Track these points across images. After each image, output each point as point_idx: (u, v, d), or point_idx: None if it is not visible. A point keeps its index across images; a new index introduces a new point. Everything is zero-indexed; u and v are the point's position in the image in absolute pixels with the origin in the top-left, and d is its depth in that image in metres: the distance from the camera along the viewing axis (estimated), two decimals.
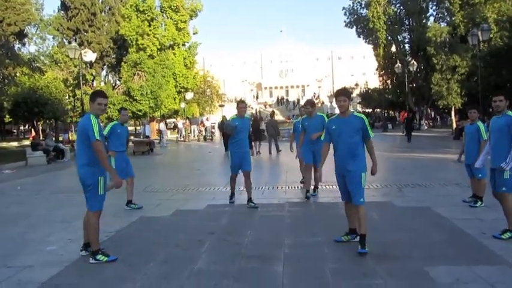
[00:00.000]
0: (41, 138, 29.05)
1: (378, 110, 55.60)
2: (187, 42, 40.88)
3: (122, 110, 8.43)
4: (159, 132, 32.04)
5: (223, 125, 8.51)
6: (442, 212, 6.74)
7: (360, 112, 6.07)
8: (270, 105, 76.63)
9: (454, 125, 31.50)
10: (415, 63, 34.03)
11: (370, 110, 57.49)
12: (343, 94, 5.18)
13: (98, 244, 5.01)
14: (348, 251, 5.07)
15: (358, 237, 5.05)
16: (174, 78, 37.92)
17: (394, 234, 5.63)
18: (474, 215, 6.59)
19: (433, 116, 50.87)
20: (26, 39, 40.10)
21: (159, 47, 37.16)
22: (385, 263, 4.59)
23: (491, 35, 23.90)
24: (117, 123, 7.98)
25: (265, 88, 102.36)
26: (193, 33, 41.10)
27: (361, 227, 5.00)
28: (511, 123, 5.23)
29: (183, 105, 40.45)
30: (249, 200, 7.62)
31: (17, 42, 37.84)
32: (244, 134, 7.64)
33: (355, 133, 5.05)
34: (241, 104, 7.79)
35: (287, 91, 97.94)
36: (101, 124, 5.15)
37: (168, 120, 46.55)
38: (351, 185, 5.07)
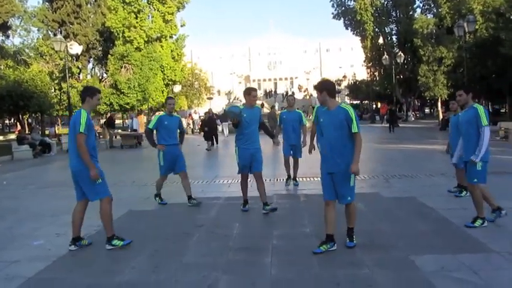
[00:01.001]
0: (27, 132, 28.72)
1: (366, 101, 55.90)
2: (175, 35, 40.50)
3: (168, 99, 7.69)
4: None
5: (220, 116, 8.57)
6: (427, 202, 6.84)
7: (348, 104, 5.76)
8: (258, 98, 76.52)
9: (441, 116, 31.85)
10: (402, 55, 34.26)
11: (358, 102, 57.78)
12: (316, 88, 4.88)
13: (112, 230, 5.19)
14: (336, 242, 5.12)
15: (333, 243, 4.79)
16: (161, 71, 37.62)
17: (380, 225, 5.71)
18: (459, 205, 6.69)
19: (419, 107, 51.29)
20: (10, 32, 39.46)
21: (146, 39, 36.78)
22: (371, 253, 4.65)
23: (476, 27, 24.11)
24: (164, 115, 7.45)
25: (254, 81, 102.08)
26: (181, 26, 40.72)
27: (350, 221, 4.88)
28: (477, 115, 5.32)
29: None
30: (265, 204, 6.51)
31: (1, 35, 37.22)
32: (255, 127, 6.49)
33: (340, 127, 4.62)
34: (253, 92, 6.59)
35: (275, 83, 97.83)
36: (92, 121, 5.20)
37: (157, 113, 46.43)
38: (338, 185, 4.70)
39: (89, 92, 5.23)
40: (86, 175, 5.01)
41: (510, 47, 22.25)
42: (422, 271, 4.11)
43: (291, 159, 8.87)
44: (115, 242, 5.17)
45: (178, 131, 7.54)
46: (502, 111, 36.10)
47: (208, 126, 19.50)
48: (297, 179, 8.92)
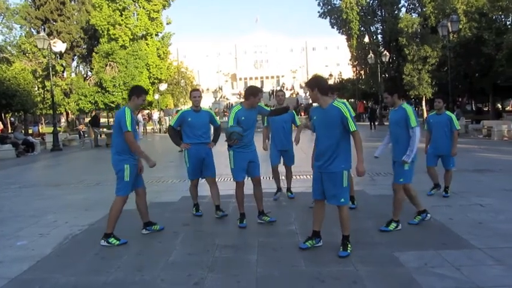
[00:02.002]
0: (10, 131, 28.26)
1: (352, 100, 56.27)
2: (161, 33, 40.26)
3: (193, 91, 6.46)
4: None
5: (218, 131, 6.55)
6: (410, 200, 6.91)
7: (340, 101, 5.34)
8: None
9: (425, 115, 32.21)
10: (387, 53, 34.48)
11: (344, 100, 58.05)
12: (307, 85, 4.73)
13: (113, 229, 5.31)
14: (322, 239, 5.16)
15: (319, 239, 4.83)
16: (147, 69, 37.35)
17: (365, 222, 5.76)
18: (442, 202, 6.80)
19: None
20: None
21: (131, 37, 36.49)
22: (356, 250, 4.69)
23: (460, 26, 24.42)
24: (188, 110, 6.43)
25: (240, 79, 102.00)
26: (167, 23, 40.50)
27: (343, 227, 4.66)
28: (406, 116, 5.28)
29: (157, 96, 39.96)
30: (261, 212, 5.99)
31: None
32: (252, 131, 5.83)
33: (334, 126, 4.47)
34: (261, 94, 5.77)
35: (262, 82, 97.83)
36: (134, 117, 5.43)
37: (144, 112, 45.92)
38: (329, 185, 4.57)
39: (136, 92, 5.43)
40: (117, 170, 5.31)
41: (493, 47, 22.60)
42: (406, 267, 4.17)
43: (281, 167, 7.50)
44: (111, 240, 5.26)
45: (212, 127, 6.55)
46: (485, 109, 36.63)
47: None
48: (292, 190, 7.59)
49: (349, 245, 4.62)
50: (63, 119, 47.23)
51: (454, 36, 25.46)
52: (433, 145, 7.23)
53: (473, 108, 41.92)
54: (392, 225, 5.39)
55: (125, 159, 5.27)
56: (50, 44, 21.92)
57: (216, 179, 6.47)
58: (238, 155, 5.70)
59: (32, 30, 37.86)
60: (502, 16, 26.66)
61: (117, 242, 5.25)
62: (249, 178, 5.87)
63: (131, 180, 5.37)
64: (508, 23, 26.41)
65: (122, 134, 5.17)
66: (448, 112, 7.19)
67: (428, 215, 5.67)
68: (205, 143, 6.26)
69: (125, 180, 5.31)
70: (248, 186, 5.95)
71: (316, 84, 4.60)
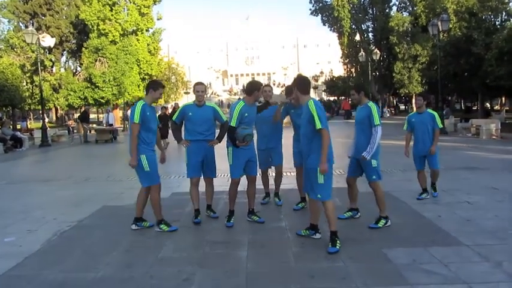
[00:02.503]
0: None
1: (342, 97, 56.50)
2: (151, 28, 39.98)
3: (196, 85, 5.91)
4: (127, 119, 31.19)
5: (228, 132, 5.61)
6: (400, 197, 6.97)
7: (318, 99, 5.46)
8: (235, 93, 76.43)
9: None
10: (378, 52, 34.69)
11: (335, 98, 58.31)
12: (292, 85, 5.11)
13: (161, 215, 5.57)
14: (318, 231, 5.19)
15: (318, 234, 5.00)
16: (137, 65, 37.07)
17: (354, 219, 5.79)
18: (430, 199, 6.85)
19: (395, 104, 52.14)
20: None
21: (121, 32, 36.16)
22: (346, 246, 4.72)
23: (450, 25, 24.63)
24: (189, 104, 6.00)
25: (231, 75, 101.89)
26: (157, 19, 40.23)
27: (330, 224, 4.71)
28: (370, 114, 5.37)
29: None
30: (251, 211, 5.94)
31: None
32: (252, 128, 5.72)
33: (307, 123, 4.61)
34: (267, 87, 6.04)
35: (253, 78, 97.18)
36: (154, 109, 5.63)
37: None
38: (308, 180, 4.77)
39: (153, 85, 5.55)
40: (140, 163, 5.40)
41: (482, 47, 22.81)
42: (394, 264, 4.21)
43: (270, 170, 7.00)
44: (162, 226, 5.55)
45: (218, 123, 6.11)
46: (473, 108, 36.99)
47: (163, 123, 17.61)
48: (279, 194, 6.95)
49: (337, 241, 4.65)
50: (47, 117, 46.74)
51: (444, 35, 25.67)
52: (417, 146, 6.92)
53: (462, 107, 42.31)
54: (382, 222, 5.43)
55: (140, 150, 5.40)
56: (38, 38, 21.63)
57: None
58: (238, 152, 5.56)
59: (21, 24, 37.38)
60: (492, 16, 26.93)
61: (167, 228, 5.53)
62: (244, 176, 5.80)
63: (153, 170, 5.46)
64: (497, 23, 26.69)
65: (151, 126, 5.46)
66: (430, 110, 6.94)
67: (359, 213, 5.88)
68: (208, 140, 5.84)
69: (145, 171, 5.42)
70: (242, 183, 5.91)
71: (296, 83, 4.93)
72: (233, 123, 5.41)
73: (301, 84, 4.88)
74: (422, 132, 6.81)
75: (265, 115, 6.26)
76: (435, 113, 6.89)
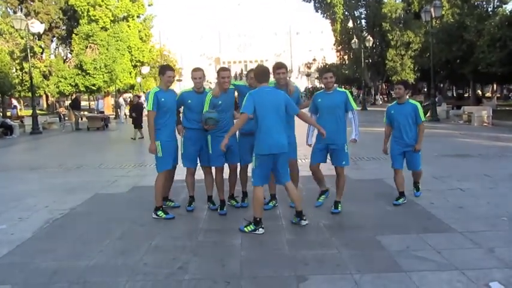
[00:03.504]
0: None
1: (336, 85, 56.44)
2: (142, 14, 39.51)
3: (193, 71, 5.73)
4: (119, 106, 30.89)
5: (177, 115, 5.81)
6: (393, 184, 6.92)
7: (310, 86, 5.64)
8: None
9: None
10: (371, 39, 34.58)
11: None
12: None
13: (161, 202, 5.62)
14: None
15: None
16: (129, 52, 36.68)
17: (348, 206, 5.79)
18: (423, 186, 6.85)
19: (387, 91, 52.22)
20: None
21: (112, 18, 35.65)
22: (339, 234, 4.74)
23: (443, 12, 24.56)
24: (189, 91, 5.76)
25: (224, 63, 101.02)
26: (148, 5, 39.73)
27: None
28: (346, 99, 5.52)
29: (139, 79, 39.38)
30: (231, 196, 6.07)
31: None
32: (230, 114, 5.64)
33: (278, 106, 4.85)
34: (223, 73, 5.51)
35: (246, 66, 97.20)
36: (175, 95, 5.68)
37: (124, 95, 45.30)
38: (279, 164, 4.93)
39: (160, 71, 5.62)
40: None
41: (474, 33, 22.81)
42: (388, 250, 4.22)
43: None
44: (159, 212, 5.56)
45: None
46: (465, 95, 37.16)
47: (136, 112, 16.62)
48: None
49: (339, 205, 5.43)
50: (37, 104, 46.23)
51: (437, 22, 25.63)
52: (396, 141, 5.98)
53: (454, 94, 42.51)
54: (340, 207, 5.56)
55: (156, 136, 5.45)
56: (27, 24, 21.29)
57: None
58: (216, 140, 5.41)
59: (9, 10, 36.69)
60: (484, 2, 26.89)
61: (164, 216, 5.52)
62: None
63: (166, 156, 5.51)
64: (489, 9, 26.65)
65: (167, 112, 5.49)
66: (411, 101, 5.99)
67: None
68: (197, 128, 5.61)
69: (158, 156, 5.48)
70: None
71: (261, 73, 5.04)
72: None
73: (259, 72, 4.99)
74: (403, 126, 5.85)
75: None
76: (418, 104, 5.92)
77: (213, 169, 5.84)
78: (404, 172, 6.01)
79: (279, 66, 5.48)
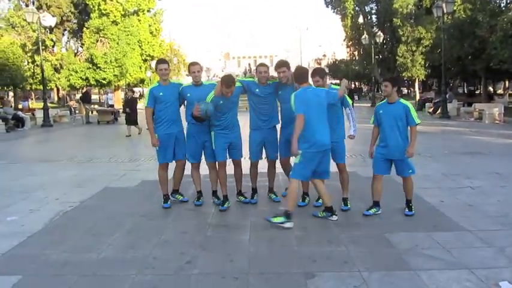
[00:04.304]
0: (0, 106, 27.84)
1: (329, 82, 56.14)
2: (152, 9, 39.52)
3: (191, 66, 5.72)
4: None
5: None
6: (402, 181, 6.93)
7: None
8: (237, 75, 76.07)
9: (418, 97, 32.26)
10: (381, 34, 34.26)
11: (337, 81, 58.03)
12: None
13: (164, 191, 5.90)
14: (313, 220, 5.19)
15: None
16: (139, 46, 36.74)
17: (357, 203, 5.76)
18: (433, 184, 6.84)
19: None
20: None
21: (122, 12, 35.70)
22: (348, 231, 4.73)
23: (455, 8, 24.23)
24: (188, 85, 5.79)
25: (233, 58, 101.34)
26: None
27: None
28: (343, 98, 5.39)
29: (149, 73, 39.49)
30: (225, 198, 5.79)
31: None
32: (232, 113, 5.62)
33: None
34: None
35: (255, 61, 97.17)
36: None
37: (134, 89, 45.47)
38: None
39: (155, 66, 5.82)
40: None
41: (486, 29, 22.50)
42: (397, 248, 4.21)
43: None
44: (164, 201, 5.89)
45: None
46: (476, 92, 36.77)
47: (130, 108, 15.87)
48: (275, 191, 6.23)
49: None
50: (48, 97, 46.58)
51: (449, 17, 25.31)
52: (383, 145, 5.30)
53: (465, 91, 42.07)
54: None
55: (155, 129, 5.68)
56: (39, 17, 21.42)
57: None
58: (219, 136, 5.57)
59: (21, 3, 36.94)
60: None
61: (163, 204, 5.84)
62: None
63: (163, 149, 5.70)
64: (502, 5, 26.25)
65: (148, 110, 5.71)
66: (402, 100, 5.23)
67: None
68: (197, 123, 5.55)
69: (156, 149, 5.72)
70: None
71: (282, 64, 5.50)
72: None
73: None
74: (391, 128, 5.17)
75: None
76: (409, 105, 5.19)
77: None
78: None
79: (280, 65, 5.55)
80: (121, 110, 28.93)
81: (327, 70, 58.48)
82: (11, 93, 36.32)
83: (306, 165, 4.88)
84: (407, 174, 5.28)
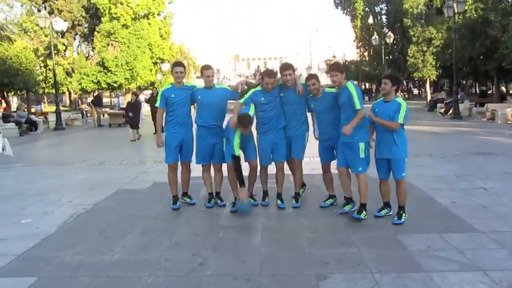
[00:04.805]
0: (13, 110, 28.21)
1: (355, 82, 55.96)
2: (162, 12, 39.83)
3: (204, 70, 5.72)
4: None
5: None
6: (414, 183, 6.89)
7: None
8: (246, 77, 76.13)
9: (429, 97, 32.03)
10: (391, 35, 34.07)
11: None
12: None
13: (173, 192, 5.98)
14: (325, 221, 5.20)
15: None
16: (149, 49, 37.03)
17: (369, 205, 5.71)
18: (445, 185, 6.78)
19: (408, 88, 51.55)
20: None
21: (133, 16, 36.02)
22: (360, 232, 4.72)
23: (466, 7, 24.03)
24: (200, 88, 5.83)
25: (243, 59, 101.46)
26: (169, 3, 40.03)
27: (361, 196, 5.31)
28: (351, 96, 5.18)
29: (159, 76, 39.75)
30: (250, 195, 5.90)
31: None
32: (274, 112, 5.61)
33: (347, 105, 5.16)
34: (244, 119, 5.25)
35: (264, 63, 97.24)
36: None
37: (144, 92, 45.74)
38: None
39: (171, 68, 5.98)
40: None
41: (498, 29, 22.28)
42: (409, 250, 4.19)
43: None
44: (173, 202, 5.99)
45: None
46: (489, 92, 36.38)
47: (133, 112, 15.47)
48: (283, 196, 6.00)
49: (364, 212, 5.16)
50: (60, 101, 47.04)
51: (460, 17, 25.10)
52: (380, 146, 5.20)
53: (477, 91, 41.66)
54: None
55: (165, 129, 5.84)
56: (51, 22, 21.71)
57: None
58: (264, 138, 5.75)
59: (33, 8, 37.42)
60: None
61: (172, 206, 5.91)
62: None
63: (169, 150, 5.79)
64: None
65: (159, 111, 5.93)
66: (398, 99, 5.06)
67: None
68: (219, 126, 5.73)
69: (164, 149, 5.85)
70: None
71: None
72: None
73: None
74: (385, 129, 5.05)
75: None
76: (403, 104, 4.99)
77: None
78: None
79: (286, 68, 5.52)
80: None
81: None
82: (15, 98, 36.76)
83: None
84: (400, 176, 5.11)
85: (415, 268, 3.79)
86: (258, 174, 5.97)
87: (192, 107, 5.99)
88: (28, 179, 8.48)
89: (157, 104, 5.85)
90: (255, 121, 5.71)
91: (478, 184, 6.78)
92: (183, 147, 5.85)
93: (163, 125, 5.96)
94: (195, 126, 5.88)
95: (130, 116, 15.54)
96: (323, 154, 5.75)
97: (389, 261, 3.95)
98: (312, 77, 5.50)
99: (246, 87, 5.91)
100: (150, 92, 45.55)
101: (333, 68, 5.36)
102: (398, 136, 5.00)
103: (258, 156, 5.84)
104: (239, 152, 5.53)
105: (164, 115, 5.95)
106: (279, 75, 5.64)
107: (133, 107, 15.89)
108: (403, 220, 5.01)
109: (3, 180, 8.59)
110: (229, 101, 5.87)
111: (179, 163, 5.99)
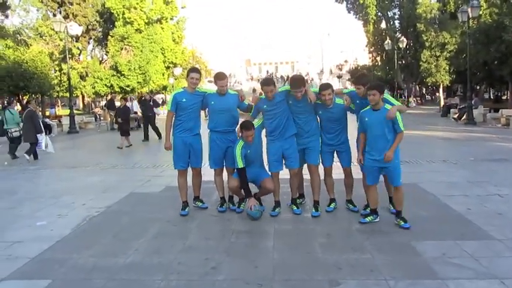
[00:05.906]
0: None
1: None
2: (175, 17, 40.22)
3: (218, 81, 5.71)
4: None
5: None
6: (428, 188, 6.84)
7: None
8: (258, 80, 76.26)
9: (442, 103, 31.74)
10: (404, 39, 33.90)
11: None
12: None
13: (182, 198, 5.93)
14: (337, 226, 5.17)
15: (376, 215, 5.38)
16: (162, 53, 37.41)
17: (382, 211, 5.69)
18: (460, 191, 6.70)
19: (421, 93, 51.16)
20: (9, 11, 38.97)
21: (146, 21, 36.44)
22: (373, 238, 4.68)
23: (480, 12, 23.84)
24: (212, 93, 5.83)
25: (254, 64, 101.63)
26: (182, 7, 40.42)
27: (370, 203, 5.39)
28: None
29: (171, 80, 40.04)
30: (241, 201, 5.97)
31: (0, 14, 36.79)
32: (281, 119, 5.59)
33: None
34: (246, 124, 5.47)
35: (276, 67, 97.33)
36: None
37: (156, 96, 46.08)
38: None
39: (187, 73, 5.84)
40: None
41: None
42: (424, 257, 4.14)
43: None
44: (198, 202, 6.12)
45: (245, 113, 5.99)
46: (503, 98, 35.93)
47: (123, 118, 14.74)
48: (299, 200, 6.15)
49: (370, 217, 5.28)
50: (74, 104, 47.58)
51: (474, 22, 24.88)
52: (371, 153, 5.10)
53: (492, 97, 41.18)
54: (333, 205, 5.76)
55: (173, 134, 5.77)
56: (66, 27, 22.00)
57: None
58: (273, 144, 5.72)
59: (49, 13, 38.01)
60: None
61: (181, 212, 5.86)
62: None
63: (176, 156, 5.79)
64: None
65: (169, 114, 5.81)
66: (388, 106, 5.01)
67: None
68: (231, 131, 5.80)
69: (172, 154, 5.82)
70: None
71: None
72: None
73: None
74: (378, 135, 5.01)
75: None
76: (397, 113, 5.00)
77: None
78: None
79: (299, 85, 5.34)
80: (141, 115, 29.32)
81: (348, 76, 58.20)
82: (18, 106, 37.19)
83: None
84: (399, 183, 5.07)
85: (430, 275, 3.75)
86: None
87: (203, 112, 6.02)
88: (43, 182, 8.59)
89: (168, 107, 5.84)
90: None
91: (492, 191, 6.69)
92: (191, 154, 5.83)
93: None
94: (207, 131, 5.89)
95: (120, 122, 14.88)
96: (325, 158, 5.76)
97: (404, 268, 3.91)
98: (328, 86, 5.43)
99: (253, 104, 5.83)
100: (161, 96, 45.94)
101: (373, 87, 4.98)
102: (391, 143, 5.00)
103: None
104: (243, 164, 5.48)
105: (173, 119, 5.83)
106: (278, 83, 5.67)
107: (123, 113, 15.09)
108: (408, 223, 5.02)
109: (17, 182, 8.71)
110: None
111: (189, 169, 5.98)
